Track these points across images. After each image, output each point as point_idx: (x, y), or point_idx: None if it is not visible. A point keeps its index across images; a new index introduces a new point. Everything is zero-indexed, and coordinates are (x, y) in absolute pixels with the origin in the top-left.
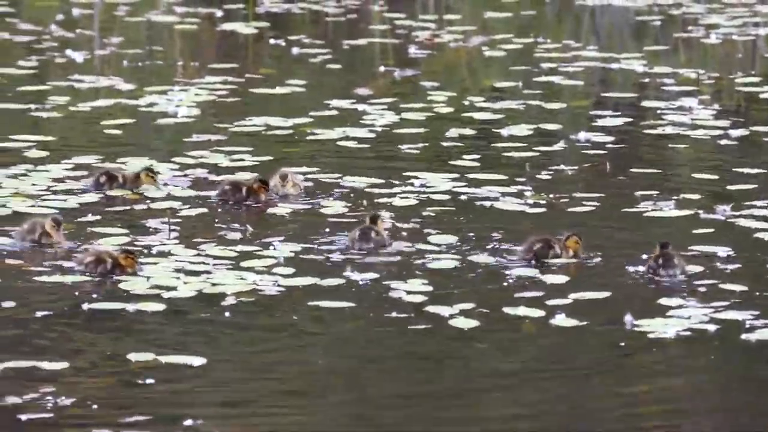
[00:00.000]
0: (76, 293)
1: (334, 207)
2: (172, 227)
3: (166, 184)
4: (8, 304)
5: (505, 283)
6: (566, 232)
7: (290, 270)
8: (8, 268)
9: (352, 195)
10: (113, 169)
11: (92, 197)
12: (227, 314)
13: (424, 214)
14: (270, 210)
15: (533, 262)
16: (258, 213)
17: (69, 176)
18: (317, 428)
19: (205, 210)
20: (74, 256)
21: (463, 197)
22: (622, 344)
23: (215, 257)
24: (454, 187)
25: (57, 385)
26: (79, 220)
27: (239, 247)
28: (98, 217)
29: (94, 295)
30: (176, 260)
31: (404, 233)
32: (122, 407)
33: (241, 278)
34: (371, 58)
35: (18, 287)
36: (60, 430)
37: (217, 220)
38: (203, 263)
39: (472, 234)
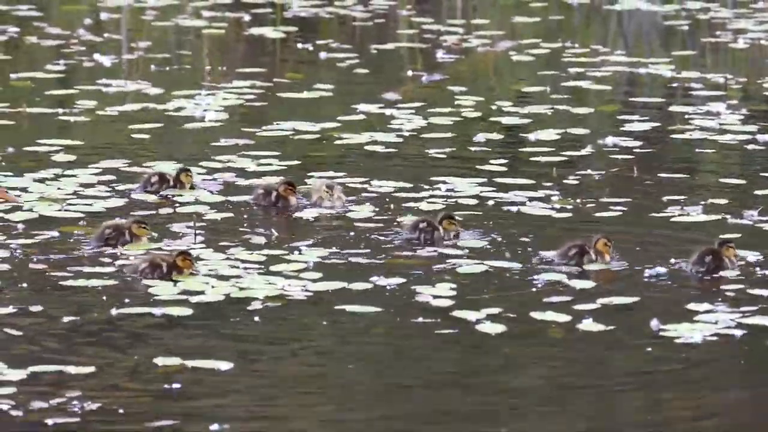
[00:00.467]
0: (104, 297)
1: (361, 211)
2: (197, 231)
3: (192, 187)
4: (36, 308)
5: (533, 288)
6: (594, 236)
7: (318, 275)
8: (37, 272)
9: (379, 199)
10: (165, 171)
11: (117, 201)
12: (255, 319)
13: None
14: (297, 214)
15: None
16: (286, 217)
17: (99, 180)
18: None
19: (231, 214)
20: (125, 265)
21: (490, 202)
22: (649, 349)
23: (243, 261)
24: (481, 191)
25: (83, 390)
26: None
27: (267, 252)
28: (124, 221)
29: (122, 300)
30: (204, 264)
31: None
32: (149, 412)
33: (270, 283)
34: (399, 62)
35: (46, 291)
36: None
37: (245, 225)
38: (233, 267)
39: (499, 238)
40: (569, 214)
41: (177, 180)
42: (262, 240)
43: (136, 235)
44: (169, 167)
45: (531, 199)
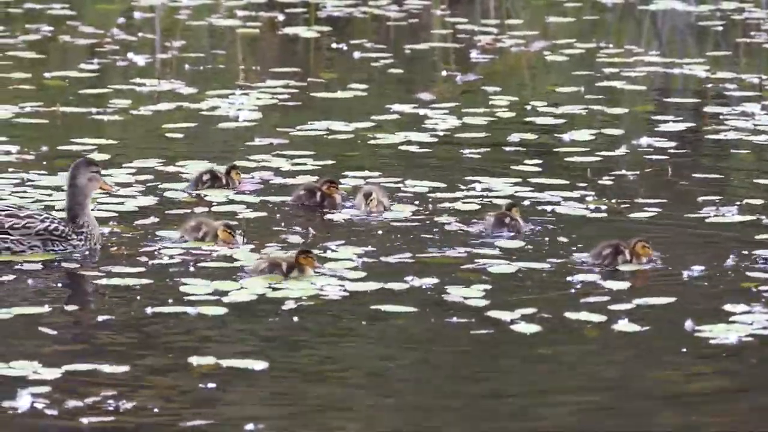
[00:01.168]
0: (139, 297)
1: (396, 211)
2: (243, 235)
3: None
4: (71, 307)
5: (568, 289)
6: (633, 239)
7: (353, 274)
8: (72, 271)
9: (414, 199)
10: (217, 168)
11: (149, 200)
12: (290, 318)
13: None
14: (333, 215)
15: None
16: (321, 217)
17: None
18: None
19: (266, 213)
20: (246, 266)
21: (525, 202)
22: (684, 350)
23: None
24: (516, 191)
25: (118, 389)
26: (139, 222)
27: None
28: (157, 220)
29: (157, 299)
30: (239, 264)
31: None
32: (183, 411)
33: (305, 282)
34: (433, 62)
35: (82, 291)
36: None
37: (282, 224)
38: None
39: (534, 238)
40: (604, 215)
41: (228, 177)
42: (299, 239)
43: (223, 240)
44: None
45: (566, 199)
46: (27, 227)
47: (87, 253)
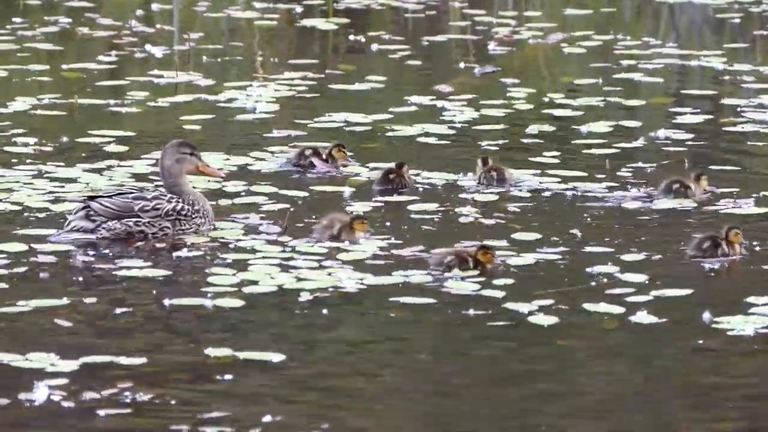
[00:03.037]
0: (156, 289)
1: (415, 203)
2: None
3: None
4: (90, 300)
5: (586, 280)
6: (726, 226)
7: (372, 266)
8: (89, 263)
9: (433, 191)
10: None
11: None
12: (307, 311)
13: (507, 209)
14: (353, 206)
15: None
16: (341, 209)
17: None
18: (397, 426)
19: (287, 204)
20: (432, 254)
21: (546, 193)
22: (700, 341)
23: (301, 253)
24: (539, 183)
25: (135, 381)
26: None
27: (325, 243)
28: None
29: (175, 291)
30: (262, 255)
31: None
32: (200, 404)
33: (324, 274)
34: (451, 54)
35: (100, 282)
36: (138, 426)
37: (314, 215)
38: (291, 258)
39: (554, 230)
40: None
41: (329, 155)
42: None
43: (354, 229)
44: (216, 159)
45: (584, 191)
46: (156, 209)
47: (207, 228)
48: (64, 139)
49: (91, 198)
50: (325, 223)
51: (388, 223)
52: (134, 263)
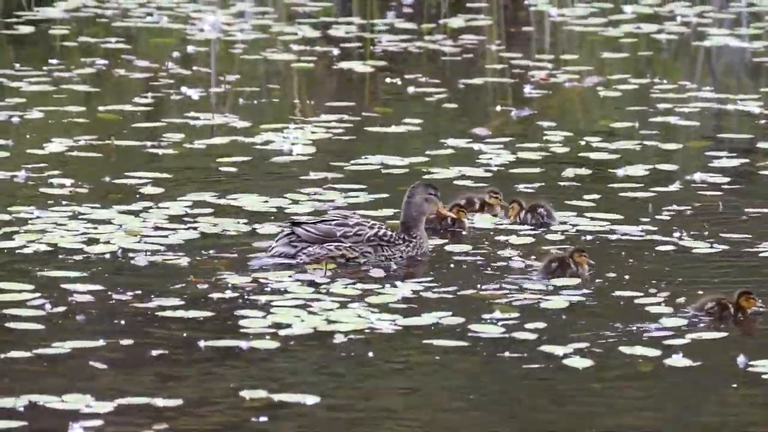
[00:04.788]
0: (187, 333)
1: (454, 245)
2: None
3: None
4: (126, 341)
5: (621, 323)
6: (737, 293)
7: (408, 308)
8: (125, 304)
9: (471, 233)
10: (473, 194)
11: (194, 234)
12: (341, 353)
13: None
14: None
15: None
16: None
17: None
18: None
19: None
20: (687, 304)
21: (586, 237)
22: (734, 385)
23: (335, 294)
24: (574, 226)
25: (170, 422)
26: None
27: (359, 285)
28: (212, 251)
29: (210, 332)
30: (294, 297)
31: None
32: None
33: (359, 316)
34: (487, 97)
35: (137, 323)
36: None
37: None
38: (319, 299)
39: (593, 273)
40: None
41: (484, 204)
42: (381, 273)
43: (579, 263)
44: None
45: (623, 234)
46: (358, 234)
47: (411, 255)
48: (101, 180)
49: (296, 224)
50: (548, 260)
51: (426, 265)
52: (170, 303)
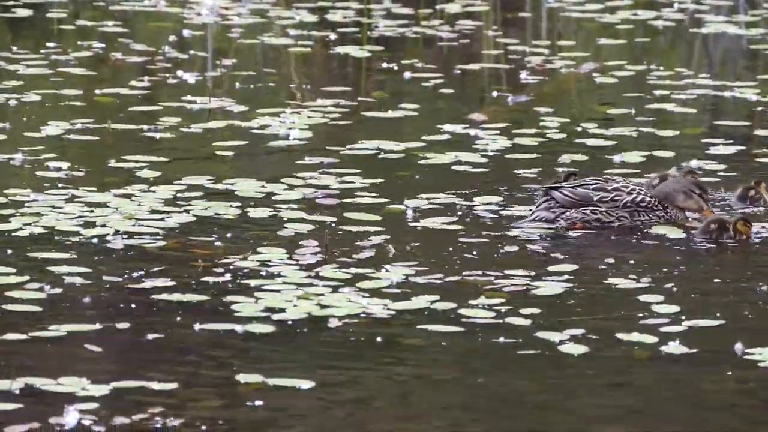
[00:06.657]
0: (187, 314)
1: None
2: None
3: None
4: (123, 325)
5: (619, 309)
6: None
7: (402, 292)
8: (120, 287)
9: (466, 219)
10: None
11: (189, 218)
12: (336, 337)
13: (542, 238)
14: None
15: None
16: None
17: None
18: None
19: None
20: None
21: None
22: (729, 373)
23: (327, 279)
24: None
25: (166, 406)
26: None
27: (353, 270)
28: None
29: (205, 316)
30: (289, 281)
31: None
32: (231, 429)
33: (352, 301)
34: (483, 83)
35: (132, 306)
36: None
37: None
38: (312, 284)
39: (586, 259)
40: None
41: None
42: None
43: (740, 231)
44: (250, 186)
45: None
46: (614, 200)
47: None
48: (98, 163)
49: (553, 188)
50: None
51: (417, 250)
52: (166, 286)
